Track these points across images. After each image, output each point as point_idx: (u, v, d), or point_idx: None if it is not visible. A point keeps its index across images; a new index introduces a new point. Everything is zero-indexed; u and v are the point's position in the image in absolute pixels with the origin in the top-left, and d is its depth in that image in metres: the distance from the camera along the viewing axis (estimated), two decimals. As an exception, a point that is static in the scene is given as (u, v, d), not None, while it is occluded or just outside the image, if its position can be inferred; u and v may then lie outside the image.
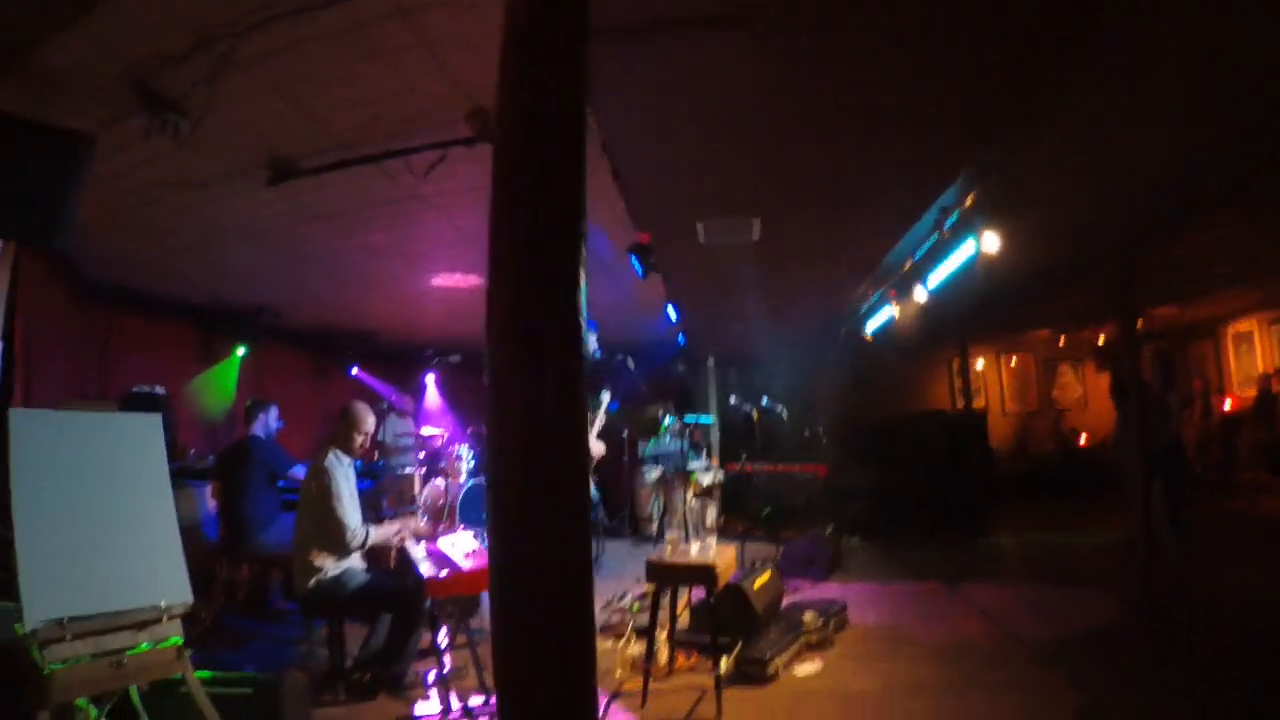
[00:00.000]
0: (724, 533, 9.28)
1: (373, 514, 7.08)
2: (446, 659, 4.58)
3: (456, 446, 8.92)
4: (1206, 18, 2.98)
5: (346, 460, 4.96)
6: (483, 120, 3.65)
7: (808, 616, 5.12)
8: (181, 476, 6.37)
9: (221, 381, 8.18)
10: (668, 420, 9.75)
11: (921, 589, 6.67)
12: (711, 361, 11.26)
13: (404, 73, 3.39)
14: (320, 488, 4.69)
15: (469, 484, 8.34)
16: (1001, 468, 11.77)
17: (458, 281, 7.01)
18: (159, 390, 6.86)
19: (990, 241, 5.00)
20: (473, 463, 8.73)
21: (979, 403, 12.62)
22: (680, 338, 9.97)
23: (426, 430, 9.38)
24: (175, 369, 7.82)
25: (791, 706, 4.17)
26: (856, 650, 5.04)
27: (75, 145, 3.16)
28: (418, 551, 4.88)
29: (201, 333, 8.23)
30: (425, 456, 8.92)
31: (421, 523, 5.21)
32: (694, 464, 9.33)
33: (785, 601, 5.57)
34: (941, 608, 6.04)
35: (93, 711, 2.67)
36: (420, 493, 8.15)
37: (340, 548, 4.62)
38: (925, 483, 9.39)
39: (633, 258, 5.63)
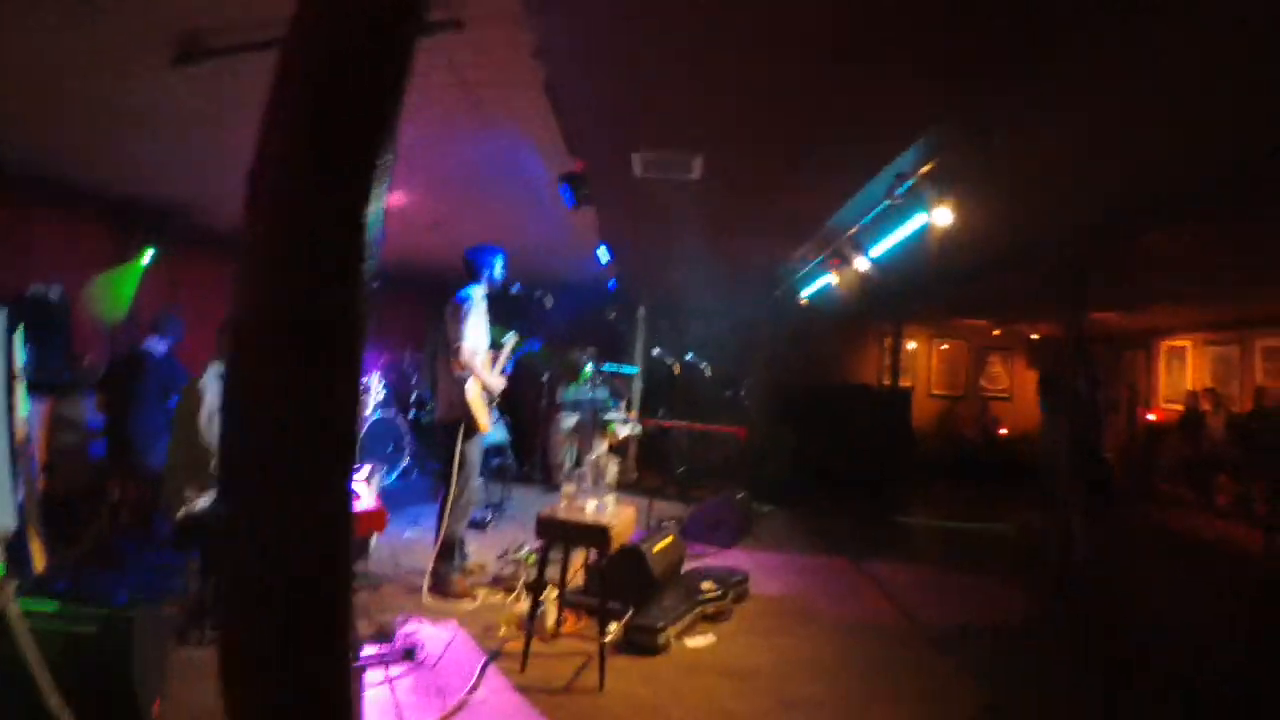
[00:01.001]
0: (637, 487, 9.10)
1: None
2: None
3: (366, 376, 8.47)
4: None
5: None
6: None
7: (706, 585, 4.92)
8: (73, 386, 6.08)
9: (122, 285, 7.39)
10: (589, 367, 9.41)
11: (829, 563, 6.56)
12: (643, 311, 10.89)
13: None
14: (190, 407, 4.28)
15: (374, 417, 7.92)
16: (922, 449, 11.80)
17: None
18: (54, 292, 6.25)
19: (942, 215, 4.77)
20: (382, 394, 8.29)
21: (906, 382, 12.56)
22: (611, 283, 9.58)
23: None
24: (89, 269, 7.16)
25: (679, 680, 3.97)
26: (754, 624, 4.88)
27: None
28: None
29: (119, 233, 7.53)
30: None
31: None
32: (612, 414, 9.06)
33: (686, 567, 5.37)
34: (847, 584, 5.95)
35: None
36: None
37: (208, 476, 4.20)
38: (845, 455, 9.30)
39: (564, 187, 5.23)
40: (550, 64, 3.57)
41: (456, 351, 5.10)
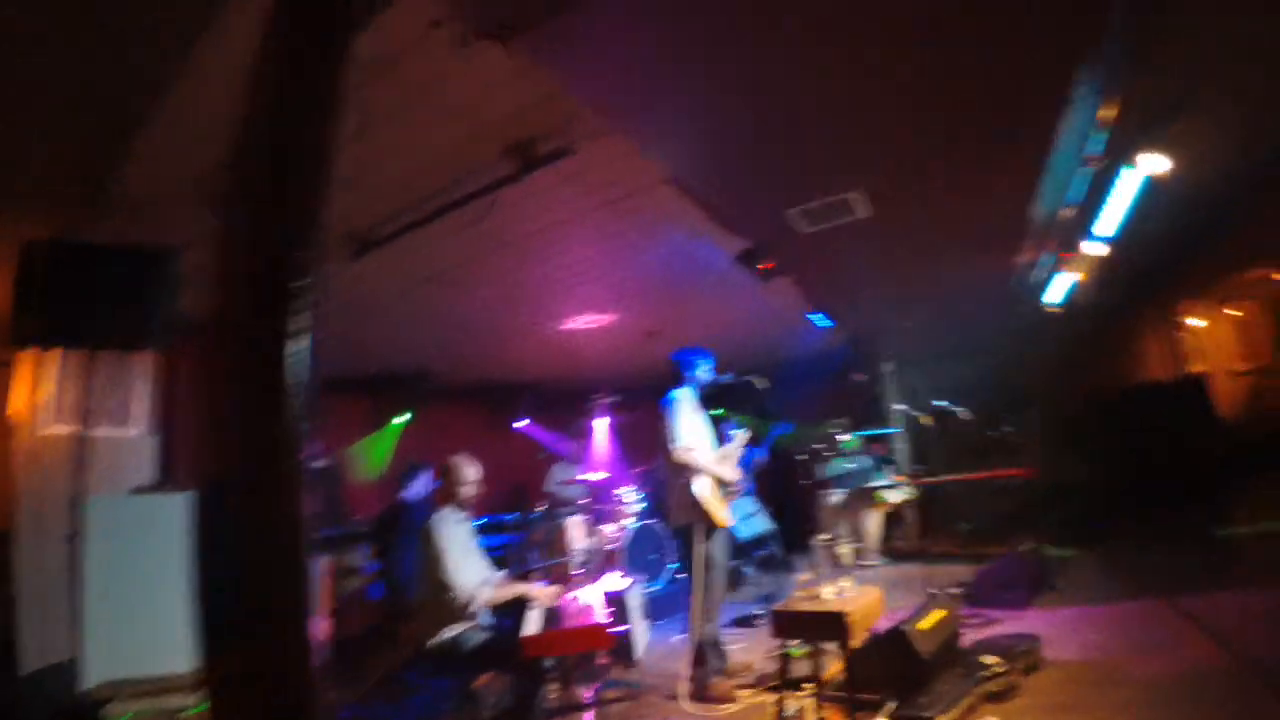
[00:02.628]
0: (921, 555, 8.32)
1: (519, 566, 6.87)
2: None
3: (621, 489, 8.64)
4: None
5: (455, 516, 4.78)
6: (521, 154, 3.42)
7: (988, 660, 4.18)
8: (349, 539, 6.94)
9: (379, 447, 8.45)
10: (845, 437, 8.93)
11: (1138, 608, 5.43)
12: (889, 366, 10.22)
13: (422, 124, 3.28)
14: (428, 550, 4.52)
15: (636, 526, 7.98)
16: (1234, 439, 9.55)
17: (590, 323, 6.77)
18: (322, 462, 7.08)
19: (1154, 162, 3.98)
20: (641, 505, 8.38)
21: (1198, 366, 10.41)
22: (842, 347, 9.13)
23: (588, 475, 9.14)
24: (352, 439, 8.33)
25: (956, 779, 3.33)
26: (1048, 699, 4.02)
27: (158, 259, 3.42)
28: (538, 606, 4.56)
29: (375, 401, 8.64)
30: (586, 502, 8.67)
31: (547, 586, 4.83)
32: (878, 481, 8.47)
33: (971, 638, 4.69)
34: (1162, 630, 4.82)
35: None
36: (579, 539, 7.88)
37: (452, 609, 4.39)
38: (1142, 470, 7.85)
39: (746, 265, 5.12)
40: (664, 159, 3.54)
41: (669, 454, 5.03)
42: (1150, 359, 10.77)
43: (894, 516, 9.00)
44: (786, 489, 10.23)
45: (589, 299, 6.00)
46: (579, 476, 9.05)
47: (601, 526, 8.48)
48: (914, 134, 3.65)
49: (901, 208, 4.48)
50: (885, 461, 9.28)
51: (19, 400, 4.37)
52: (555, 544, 7.64)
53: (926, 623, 4.20)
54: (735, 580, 8.40)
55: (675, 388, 5.26)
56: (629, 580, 6.63)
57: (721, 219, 4.40)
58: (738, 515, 7.79)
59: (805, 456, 8.96)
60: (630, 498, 8.48)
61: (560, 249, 4.80)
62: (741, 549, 7.81)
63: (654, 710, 4.83)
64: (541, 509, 8.41)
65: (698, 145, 3.49)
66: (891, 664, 3.98)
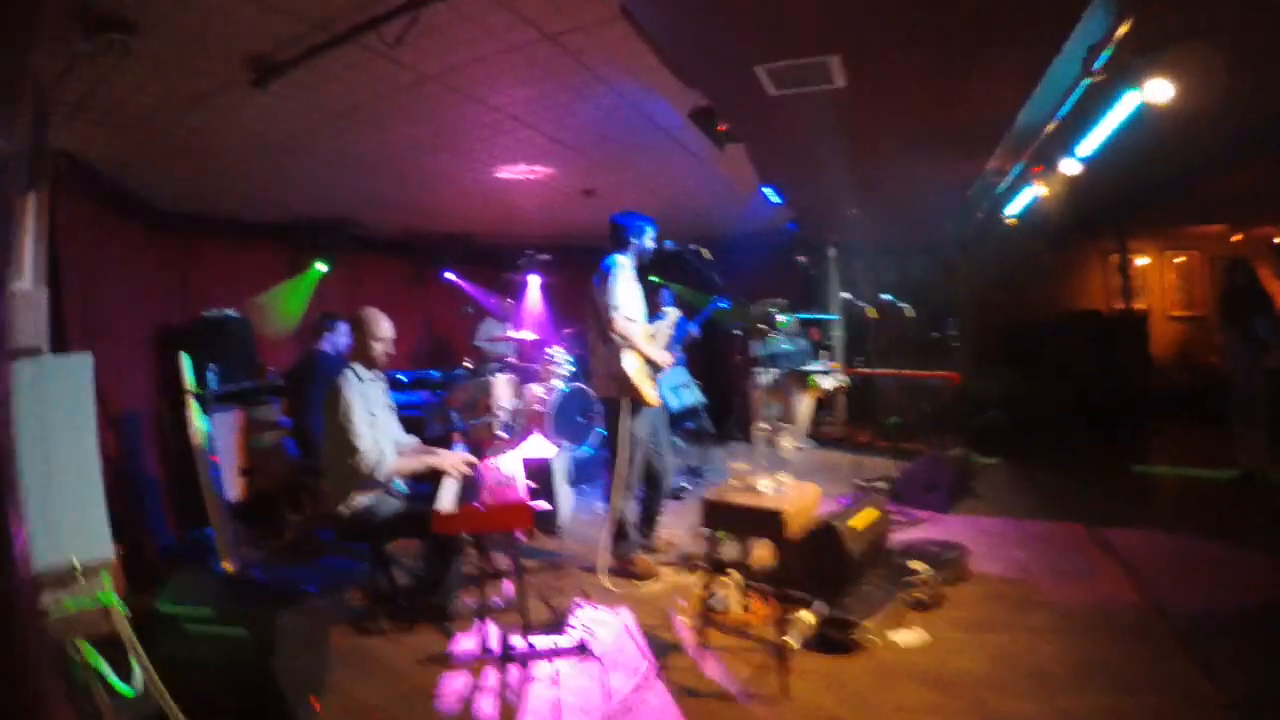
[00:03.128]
0: (845, 443, 8.42)
1: (441, 425, 6.65)
2: (501, 588, 4.28)
3: (551, 349, 8.39)
4: None
5: (368, 375, 4.49)
6: None
7: (915, 566, 4.19)
8: (259, 394, 6.66)
9: (293, 298, 8.03)
10: (783, 318, 8.79)
11: (1059, 530, 5.49)
12: (833, 252, 9.92)
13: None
14: (334, 410, 4.25)
15: (565, 389, 7.78)
16: (1163, 381, 9.94)
17: (524, 173, 6.26)
18: (230, 313, 6.81)
19: (1158, 90, 3.72)
20: (571, 366, 8.15)
21: (1140, 305, 10.65)
22: (790, 225, 8.84)
23: (518, 333, 8.85)
24: (266, 288, 7.88)
25: (873, 688, 3.34)
26: (970, 613, 4.08)
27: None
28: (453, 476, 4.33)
29: (290, 251, 8.13)
30: (514, 360, 8.42)
31: (461, 454, 4.60)
32: (813, 366, 8.42)
33: (897, 538, 4.72)
34: (1079, 559, 4.89)
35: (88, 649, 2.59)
36: (505, 398, 7.64)
37: (359, 474, 4.17)
38: (1073, 395, 8.00)
39: (701, 127, 4.72)
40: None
41: (609, 322, 4.75)
42: (1093, 289, 10.94)
43: (824, 402, 9.02)
44: (719, 364, 10.20)
45: (523, 147, 5.49)
46: (508, 334, 8.75)
47: (530, 386, 8.28)
48: (909, 4, 3.16)
49: (881, 84, 4.01)
50: (821, 347, 9.22)
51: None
52: (479, 404, 7.38)
53: (859, 521, 4.17)
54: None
55: (616, 251, 4.97)
56: (553, 445, 6.48)
57: (679, 69, 3.91)
58: (668, 386, 7.69)
59: (740, 333, 8.87)
60: (560, 358, 8.25)
61: (491, 88, 4.26)
62: (671, 420, 7.72)
63: (573, 583, 4.80)
64: (466, 367, 8.12)
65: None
66: (820, 559, 3.97)
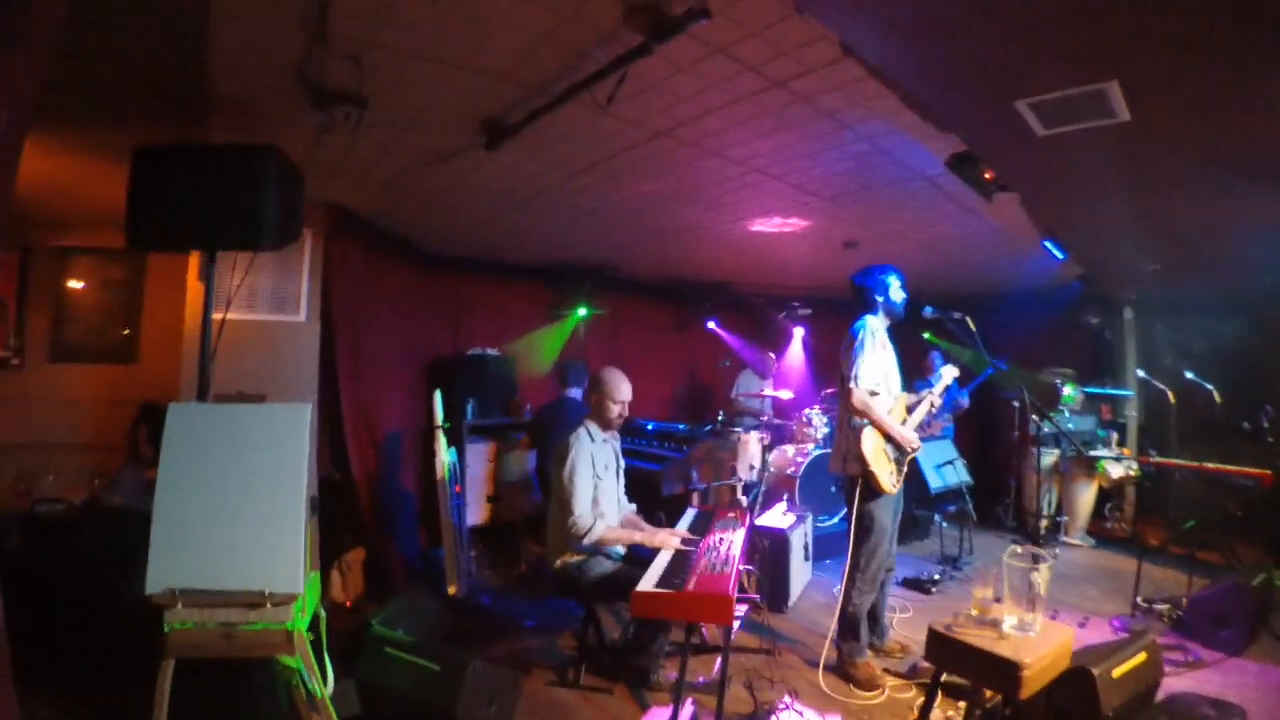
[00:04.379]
0: (1131, 544, 7.13)
1: (677, 484, 6.46)
2: (711, 665, 4.02)
3: (806, 410, 7.97)
4: None
5: (601, 435, 4.48)
6: (648, 17, 2.76)
7: None
8: (511, 429, 7.05)
9: (552, 340, 8.35)
10: (1068, 391, 7.70)
11: None
12: (1129, 313, 8.44)
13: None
14: (559, 468, 4.27)
15: (813, 455, 7.32)
16: None
17: (779, 226, 5.99)
18: (491, 351, 7.27)
19: None
20: (827, 429, 7.68)
21: None
22: (1075, 285, 7.66)
23: (770, 390, 8.51)
24: (529, 329, 8.32)
25: None
26: None
27: (259, 157, 3.32)
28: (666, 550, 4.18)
29: (554, 292, 8.46)
30: (768, 418, 8.09)
31: (678, 535, 4.40)
32: (1101, 449, 7.29)
33: (1166, 689, 3.71)
34: None
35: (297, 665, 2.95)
36: (753, 456, 7.30)
37: (570, 534, 4.14)
38: None
39: (963, 175, 4.17)
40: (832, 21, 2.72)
41: (847, 394, 4.32)
42: None
43: (1109, 493, 7.77)
44: (991, 439, 9.18)
45: (772, 199, 5.24)
46: (764, 390, 8.44)
47: (782, 448, 7.90)
48: (1205, 11, 2.40)
49: (1171, 110, 3.19)
50: (1111, 427, 7.97)
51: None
52: (723, 464, 7.11)
53: (1123, 668, 3.33)
54: (920, 532, 7.72)
55: (865, 313, 4.51)
56: (794, 515, 6.07)
57: (925, 110, 3.44)
58: (930, 462, 6.97)
59: (1018, 405, 7.87)
60: (816, 420, 7.81)
61: (726, 140, 4.06)
62: (932, 500, 6.98)
63: (786, 674, 4.37)
64: (715, 421, 7.91)
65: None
66: (1065, 709, 3.19)
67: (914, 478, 6.78)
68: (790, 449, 7.71)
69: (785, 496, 7.07)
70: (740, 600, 5.04)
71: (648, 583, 3.59)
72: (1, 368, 5.84)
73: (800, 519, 6.04)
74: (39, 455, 5.53)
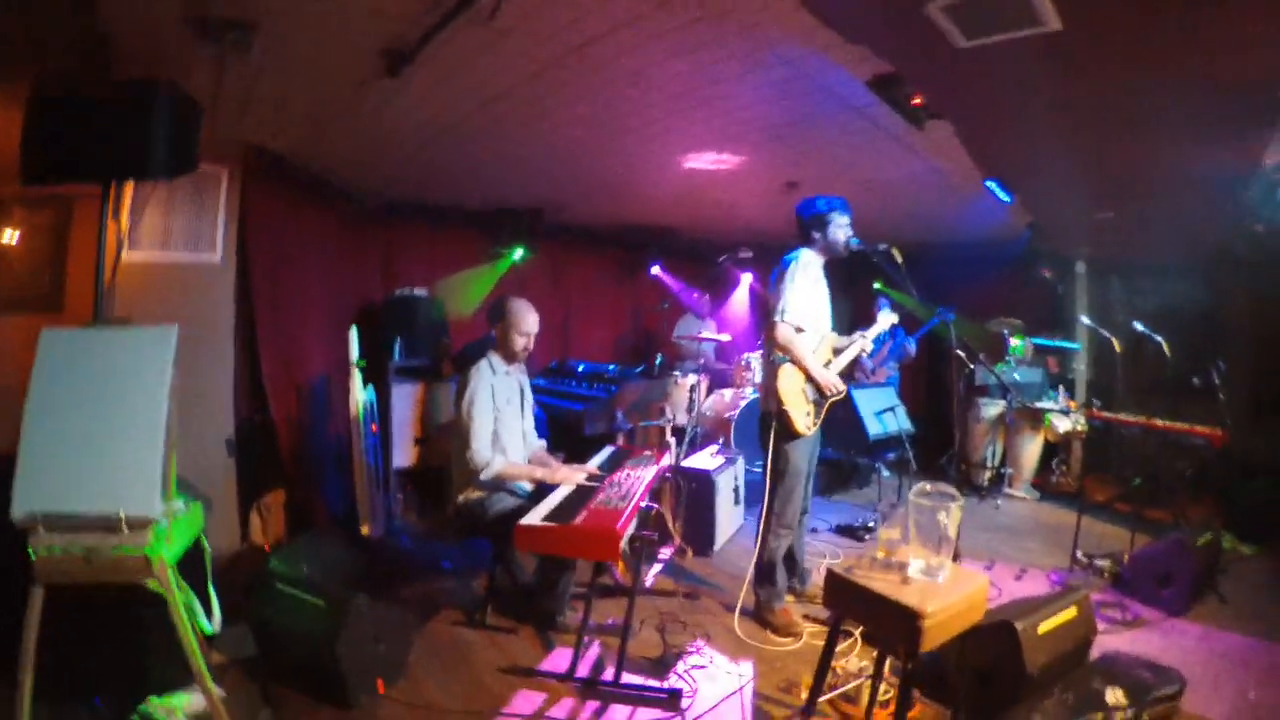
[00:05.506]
0: (1077, 499, 7.06)
1: (601, 424, 6.29)
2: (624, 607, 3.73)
3: (746, 355, 7.85)
4: None
5: (503, 368, 4.28)
6: None
7: (1111, 695, 3.03)
8: (438, 372, 6.75)
9: (481, 282, 8.11)
10: (1016, 342, 7.59)
11: None
12: (1081, 267, 8.31)
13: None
14: (459, 401, 4.11)
15: (750, 399, 7.20)
16: None
17: (714, 163, 5.72)
18: (419, 292, 6.97)
19: None
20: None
21: None
22: (1025, 234, 7.51)
23: (708, 333, 8.34)
24: (456, 271, 8.06)
25: None
26: None
27: (145, 90, 3.35)
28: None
29: (487, 235, 8.18)
30: (706, 363, 7.93)
31: (584, 471, 4.27)
32: (1048, 403, 7.21)
33: (1099, 649, 3.56)
34: None
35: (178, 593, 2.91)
36: (688, 400, 7.17)
37: (471, 470, 3.98)
38: None
39: (888, 100, 3.94)
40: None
41: (770, 327, 4.09)
42: None
43: (1056, 447, 7.70)
44: (937, 389, 9.09)
45: (702, 131, 4.98)
46: (702, 333, 8.27)
47: (720, 392, 7.79)
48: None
49: (1110, 23, 2.90)
50: (1059, 380, 7.88)
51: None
52: (650, 406, 6.93)
53: (1050, 622, 3.17)
54: (860, 480, 7.62)
55: (801, 245, 4.28)
56: (723, 458, 5.93)
57: (834, 19, 3.17)
58: (874, 407, 6.84)
59: (965, 355, 7.75)
60: (756, 365, 7.68)
61: (643, 60, 3.79)
62: (870, 447, 6.86)
63: (703, 619, 4.28)
64: (649, 364, 7.79)
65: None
66: (987, 665, 3.07)
67: (852, 424, 6.71)
68: (728, 393, 7.66)
69: (720, 440, 6.97)
70: (653, 542, 4.98)
71: (535, 516, 3.44)
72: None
73: (730, 462, 5.91)
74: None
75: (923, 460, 7.27)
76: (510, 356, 4.30)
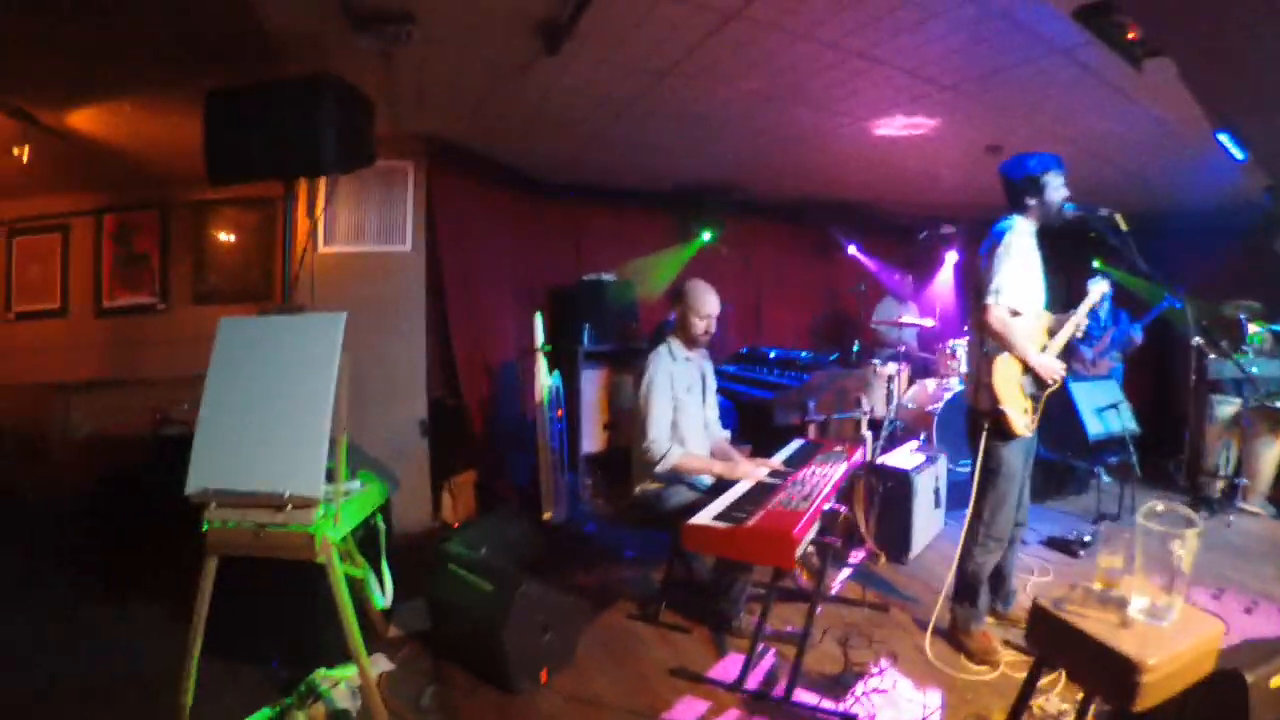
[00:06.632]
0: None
1: (796, 415, 5.98)
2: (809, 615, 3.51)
3: (952, 341, 7.25)
4: None
5: (684, 354, 4.16)
6: None
7: None
8: (625, 354, 6.77)
9: (670, 264, 8.04)
10: (1255, 328, 6.45)
11: None
12: None
13: None
14: (637, 390, 4.02)
15: (954, 391, 6.64)
16: None
17: (905, 127, 5.28)
18: (606, 276, 7.02)
19: None
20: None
21: None
22: (1266, 195, 6.26)
23: (909, 317, 7.81)
24: (646, 253, 8.08)
25: None
26: None
27: (314, 86, 3.50)
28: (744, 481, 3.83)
29: (676, 217, 8.18)
30: (907, 350, 7.43)
31: (768, 466, 4.05)
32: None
33: None
34: None
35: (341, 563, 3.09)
36: (888, 391, 6.70)
37: (646, 460, 3.89)
38: None
39: (1102, 35, 3.40)
40: None
41: (983, 310, 3.53)
42: None
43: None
44: (1166, 383, 8.05)
45: (887, 92, 4.56)
46: (903, 318, 7.77)
47: (924, 382, 7.24)
48: None
49: None
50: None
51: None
52: (847, 395, 6.53)
53: None
54: (1076, 486, 6.85)
55: (1013, 212, 3.71)
56: (924, 455, 5.49)
57: None
58: (1096, 403, 6.10)
59: (1197, 344, 6.77)
60: (962, 353, 7.04)
61: (809, 18, 3.51)
62: (1090, 449, 6.14)
63: (892, 634, 3.94)
64: (846, 350, 7.41)
65: None
66: (1205, 716, 2.43)
67: (1070, 422, 6.02)
68: (931, 383, 7.05)
69: (922, 435, 6.46)
70: (850, 547, 4.65)
71: (705, 515, 3.26)
72: (149, 313, 6.48)
73: (931, 460, 5.43)
74: (177, 389, 6.01)
75: (1147, 465, 6.35)
76: (690, 341, 4.16)
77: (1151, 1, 3.18)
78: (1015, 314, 3.53)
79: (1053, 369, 3.62)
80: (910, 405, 6.90)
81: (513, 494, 6.08)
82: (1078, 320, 3.84)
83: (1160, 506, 2.28)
